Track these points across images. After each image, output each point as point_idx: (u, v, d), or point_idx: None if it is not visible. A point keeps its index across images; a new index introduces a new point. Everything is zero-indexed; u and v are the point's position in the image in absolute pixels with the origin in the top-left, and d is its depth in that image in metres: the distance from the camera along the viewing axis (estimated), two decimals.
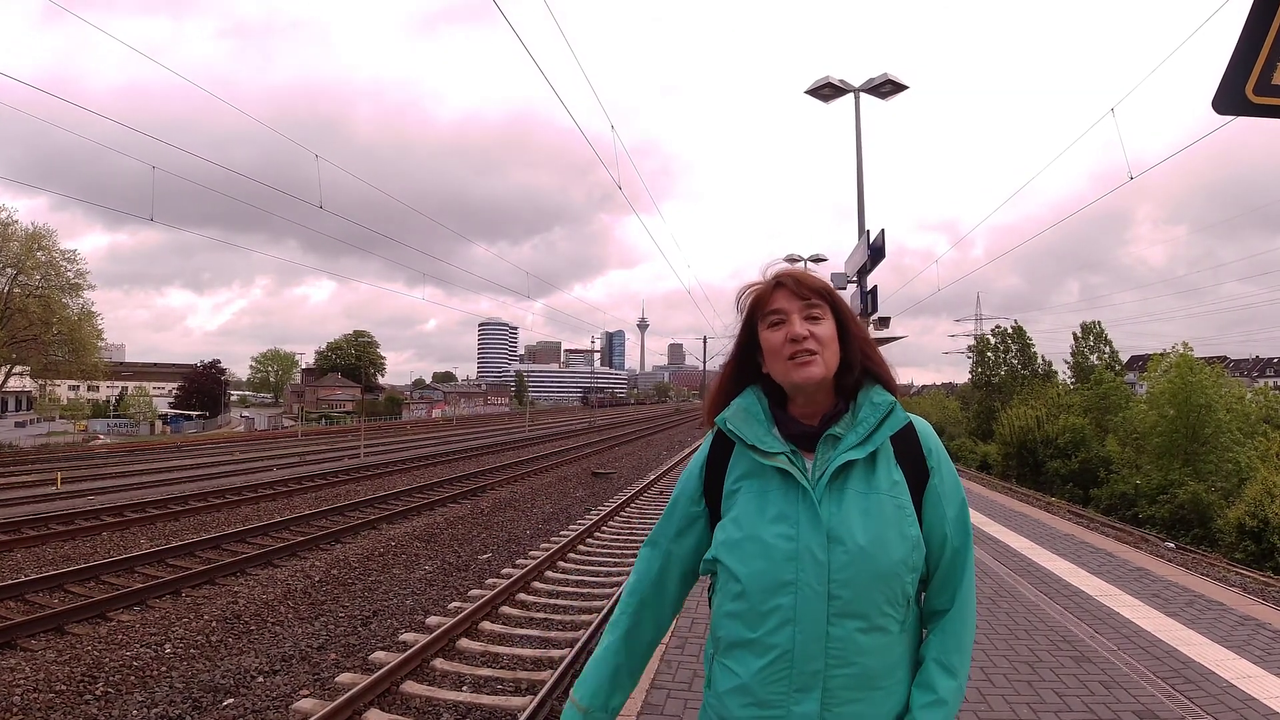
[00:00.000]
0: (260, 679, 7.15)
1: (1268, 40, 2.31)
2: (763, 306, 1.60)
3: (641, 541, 11.03)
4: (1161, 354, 28.64)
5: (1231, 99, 2.37)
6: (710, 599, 1.65)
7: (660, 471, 24.39)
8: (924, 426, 1.63)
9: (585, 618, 8.82)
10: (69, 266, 42.14)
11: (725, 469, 1.62)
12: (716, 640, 1.58)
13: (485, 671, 7.12)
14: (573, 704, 1.66)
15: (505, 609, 9.15)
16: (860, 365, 1.59)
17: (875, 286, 13.31)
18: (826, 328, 1.56)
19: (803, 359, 1.52)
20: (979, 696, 4.73)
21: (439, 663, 7.27)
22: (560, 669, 6.74)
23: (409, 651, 7.16)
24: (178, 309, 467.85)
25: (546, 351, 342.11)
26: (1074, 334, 44.41)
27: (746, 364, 1.67)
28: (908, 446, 1.58)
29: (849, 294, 13.79)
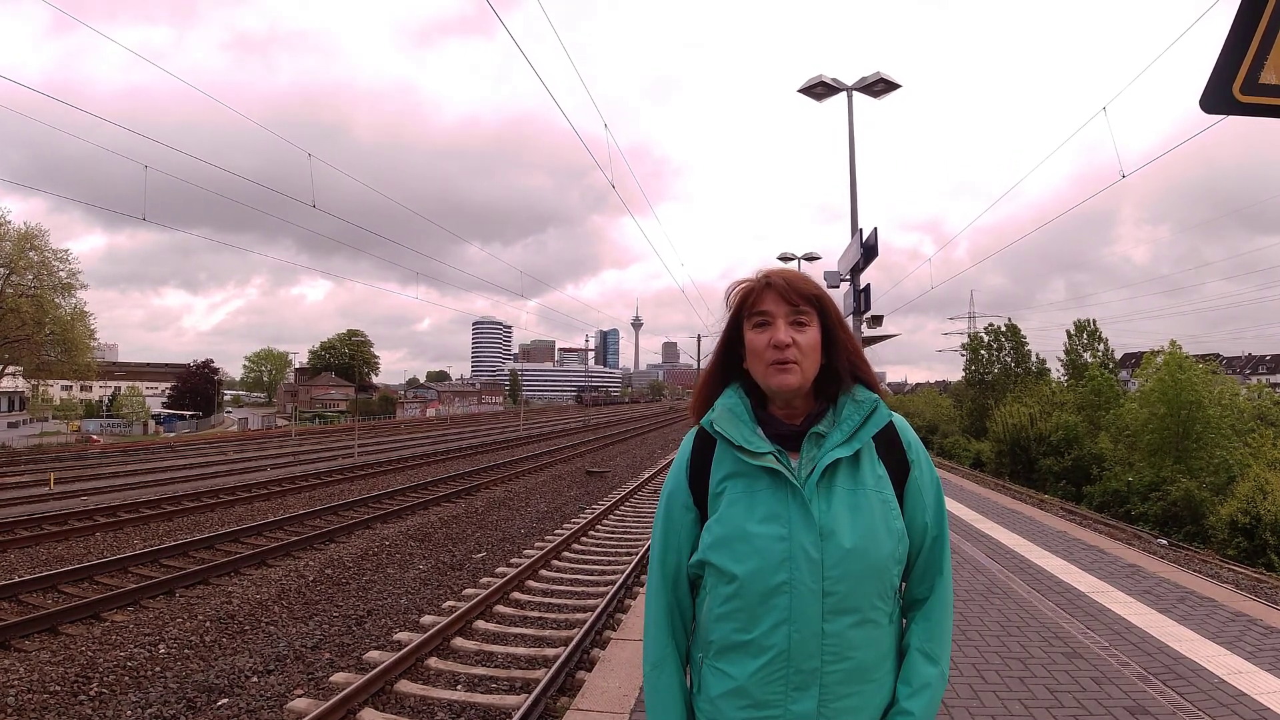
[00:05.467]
0: (254, 679, 7.14)
1: (1255, 39, 2.32)
2: (750, 305, 1.60)
3: (636, 540, 11.00)
4: (1154, 352, 28.74)
5: (1219, 98, 2.38)
6: (694, 604, 1.64)
7: (654, 470, 24.41)
8: (901, 422, 1.64)
9: (580, 616, 8.82)
10: (61, 266, 42.08)
11: (708, 469, 1.61)
12: (707, 644, 1.56)
13: (480, 670, 7.12)
14: None
15: (499, 608, 9.15)
16: (848, 372, 1.60)
17: (868, 285, 13.34)
18: (810, 336, 1.55)
19: (782, 367, 1.52)
20: (971, 693, 4.75)
21: (433, 662, 7.27)
22: (554, 667, 6.74)
23: (403, 651, 7.16)
24: (173, 309, 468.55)
25: (540, 350, 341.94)
26: (1067, 331, 44.39)
27: (731, 359, 1.67)
28: (888, 441, 1.59)
29: (841, 292, 13.83)
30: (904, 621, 1.63)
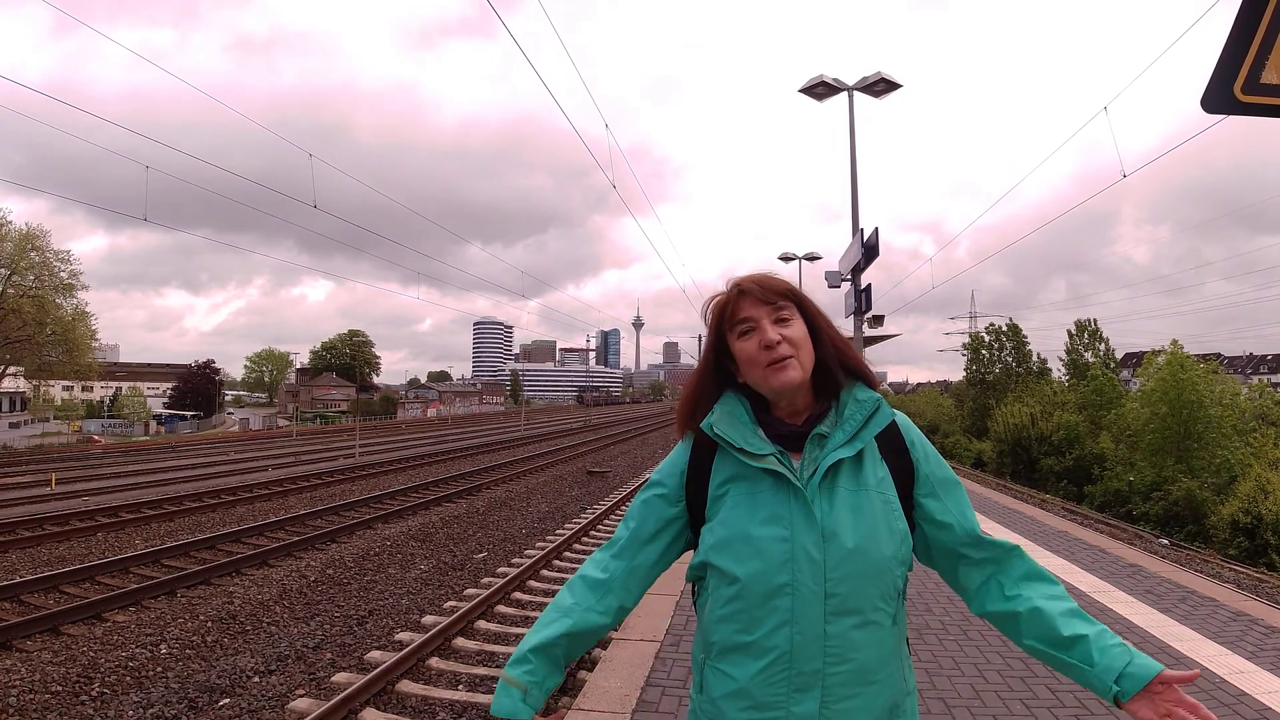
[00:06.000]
0: (256, 679, 7.14)
1: (1255, 39, 2.33)
2: (730, 316, 1.59)
3: None
4: (1155, 351, 28.77)
5: (1220, 98, 2.39)
6: (696, 605, 1.64)
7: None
8: (903, 420, 1.63)
9: None
10: (62, 267, 42.23)
11: (708, 474, 1.60)
12: (709, 645, 1.55)
13: (481, 670, 7.12)
14: (510, 684, 1.53)
15: (501, 608, 9.15)
16: (836, 363, 1.59)
17: (869, 285, 13.34)
18: (797, 329, 1.55)
19: (780, 364, 1.52)
20: (973, 693, 4.75)
21: (435, 662, 7.28)
22: None
23: (405, 651, 7.16)
24: (175, 309, 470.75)
25: (541, 350, 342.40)
26: (1068, 331, 44.27)
27: (719, 373, 1.66)
28: (890, 441, 1.58)
29: (843, 292, 13.83)
30: (1002, 590, 1.57)
